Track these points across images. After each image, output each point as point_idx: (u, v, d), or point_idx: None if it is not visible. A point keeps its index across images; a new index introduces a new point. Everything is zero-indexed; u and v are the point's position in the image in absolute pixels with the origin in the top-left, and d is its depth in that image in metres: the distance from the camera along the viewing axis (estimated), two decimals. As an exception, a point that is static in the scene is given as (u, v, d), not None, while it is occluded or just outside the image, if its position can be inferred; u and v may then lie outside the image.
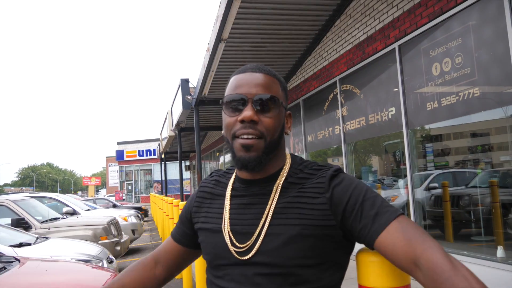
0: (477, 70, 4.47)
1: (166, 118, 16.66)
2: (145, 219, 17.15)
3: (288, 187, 1.12)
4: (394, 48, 5.77)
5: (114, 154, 42.91)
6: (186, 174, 31.14)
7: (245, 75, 1.14)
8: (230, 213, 1.15)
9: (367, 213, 1.01)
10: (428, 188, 6.08)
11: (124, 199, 35.98)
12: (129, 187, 40.27)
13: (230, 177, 1.25)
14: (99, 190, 66.75)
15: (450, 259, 0.88)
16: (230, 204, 1.17)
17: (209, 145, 22.35)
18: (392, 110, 5.96)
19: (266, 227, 1.07)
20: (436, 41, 5.04)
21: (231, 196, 1.19)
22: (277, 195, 1.11)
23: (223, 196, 1.21)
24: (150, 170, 40.20)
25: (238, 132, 1.09)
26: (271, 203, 1.10)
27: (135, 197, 39.67)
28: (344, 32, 7.11)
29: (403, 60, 5.68)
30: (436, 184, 5.89)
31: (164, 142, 19.59)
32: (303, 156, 9.18)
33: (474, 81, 4.50)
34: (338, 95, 7.47)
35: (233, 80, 1.16)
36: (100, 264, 5.15)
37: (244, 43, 7.87)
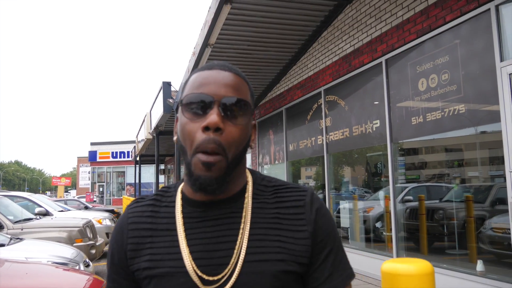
0: (463, 87, 4.59)
1: (144, 121, 16.45)
2: (118, 222, 16.80)
3: (259, 209, 0.95)
4: (381, 62, 5.87)
5: (86, 154, 42.07)
6: (161, 178, 30.78)
7: (211, 72, 0.91)
8: (189, 247, 0.90)
9: (330, 261, 0.93)
10: (403, 201, 6.21)
11: (95, 201, 35.23)
12: (101, 189, 39.49)
13: (171, 200, 0.98)
14: (69, 191, 65.24)
15: None
16: (187, 237, 0.92)
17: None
18: (377, 123, 6.05)
19: (242, 259, 0.88)
20: (424, 57, 5.15)
21: (185, 224, 0.93)
22: (249, 217, 0.93)
23: (170, 227, 0.94)
24: (123, 172, 39.53)
25: (200, 144, 0.86)
26: (245, 228, 0.91)
27: (107, 199, 38.92)
28: (331, 44, 7.19)
29: (389, 74, 5.77)
30: (410, 197, 6.00)
31: (140, 145, 19.32)
32: (284, 165, 9.22)
33: (460, 98, 4.61)
34: (322, 106, 7.53)
35: (196, 77, 0.92)
36: (77, 268, 5.01)
37: (230, 49, 7.86)
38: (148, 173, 35.15)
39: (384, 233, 6.68)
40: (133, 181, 33.37)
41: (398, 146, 5.77)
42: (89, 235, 7.46)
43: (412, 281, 1.02)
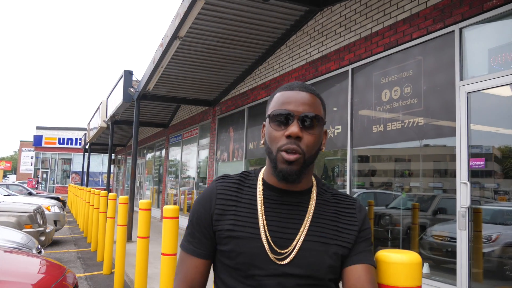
0: (424, 101, 4.89)
1: (98, 108, 16.02)
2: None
3: (321, 205, 1.25)
4: (348, 70, 6.11)
5: (30, 138, 40.21)
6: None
7: (292, 93, 1.20)
8: (266, 220, 1.18)
9: (364, 245, 1.23)
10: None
11: (37, 188, 33.74)
12: (44, 176, 37.89)
13: (253, 183, 1.26)
14: (7, 176, 61.98)
15: None
16: (265, 211, 1.19)
17: (138, 141, 21.74)
18: (339, 128, 6.29)
19: (303, 238, 1.17)
20: (389, 70, 5.43)
21: (265, 203, 1.21)
22: (313, 208, 1.22)
23: (252, 203, 1.21)
24: (70, 159, 38.16)
25: (284, 146, 1.14)
26: (309, 215, 1.21)
27: (50, 186, 37.39)
28: (299, 48, 7.38)
29: (354, 83, 6.03)
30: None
31: (92, 133, 18.78)
32: (242, 163, 9.32)
33: (420, 111, 4.91)
34: (286, 107, 7.69)
35: (279, 96, 1.22)
36: (30, 254, 4.87)
37: (199, 44, 7.86)
38: (96, 162, 34.15)
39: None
40: (80, 170, 32.29)
41: (357, 153, 6.03)
42: (39, 222, 7.23)
43: (404, 268, 1.18)
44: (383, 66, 5.53)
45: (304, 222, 1.18)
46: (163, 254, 3.70)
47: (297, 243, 1.15)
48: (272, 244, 1.15)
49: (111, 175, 31.44)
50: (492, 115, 4.33)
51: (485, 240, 4.49)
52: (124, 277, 5.90)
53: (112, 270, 6.96)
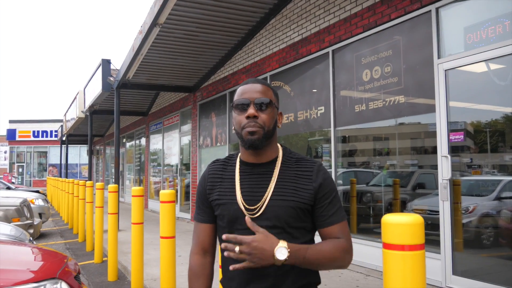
0: (404, 80, 5.07)
1: (75, 98, 15.80)
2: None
3: (285, 170, 1.57)
4: (328, 52, 6.24)
5: (3, 133, 39.22)
6: (87, 159, 29.62)
7: (248, 86, 1.56)
8: (241, 189, 1.55)
9: (330, 208, 1.54)
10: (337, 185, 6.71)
11: (13, 182, 33.08)
12: (20, 170, 37.15)
13: (234, 163, 1.64)
14: (-19, 171, 60.40)
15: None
16: (241, 182, 1.57)
17: (117, 130, 21.53)
18: (322, 109, 6.44)
19: (269, 198, 1.51)
20: (369, 50, 5.58)
21: (240, 176, 1.58)
22: (277, 174, 1.55)
23: (232, 177, 1.59)
24: (46, 152, 37.47)
25: (245, 125, 1.51)
26: (273, 179, 1.55)
27: (26, 180, 36.72)
28: (279, 32, 7.46)
29: (335, 64, 6.17)
30: (340, 181, 6.49)
31: (69, 124, 18.52)
32: (226, 147, 9.43)
33: (401, 90, 5.10)
34: (268, 91, 7.80)
35: (239, 90, 1.58)
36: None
37: (178, 30, 7.85)
38: (72, 154, 33.63)
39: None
40: (57, 162, 31.85)
41: (341, 133, 6.21)
42: (26, 214, 7.22)
43: (410, 227, 1.36)
44: (363, 46, 5.68)
45: (270, 185, 1.53)
46: (162, 237, 3.81)
47: (264, 201, 1.50)
48: (246, 205, 1.51)
49: (86, 166, 31.11)
50: (469, 91, 4.54)
51: (463, 212, 4.73)
52: (117, 265, 5.99)
53: (104, 259, 7.03)
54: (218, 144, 9.97)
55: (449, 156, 4.47)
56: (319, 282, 1.61)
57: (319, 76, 6.58)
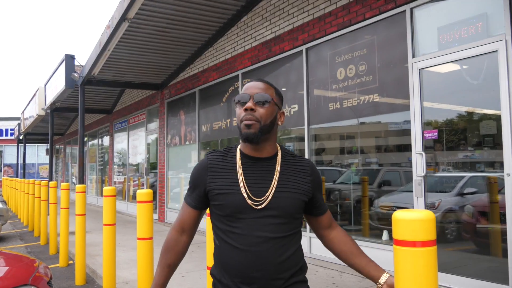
0: (378, 78, 5.13)
1: (35, 95, 15.17)
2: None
3: (285, 165, 1.70)
4: (302, 50, 6.24)
5: (-46, 131, 37.19)
6: (46, 159, 28.55)
7: (250, 83, 1.67)
8: (245, 179, 1.63)
9: (321, 199, 1.78)
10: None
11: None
12: (-28, 170, 35.35)
13: (234, 155, 1.70)
14: None
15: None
16: (244, 173, 1.64)
17: (77, 129, 20.86)
18: (295, 107, 6.44)
19: (274, 189, 1.62)
20: (343, 49, 5.62)
21: (243, 168, 1.66)
22: (279, 169, 1.67)
23: (233, 168, 1.66)
24: (0, 152, 35.83)
25: (243, 117, 1.60)
26: (277, 174, 1.66)
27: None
28: (251, 29, 7.41)
29: (309, 62, 6.18)
30: None
31: (27, 122, 17.78)
32: (196, 146, 9.30)
33: (375, 88, 5.16)
34: (240, 88, 7.75)
35: (245, 86, 1.68)
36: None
37: (148, 26, 7.66)
38: (30, 154, 32.34)
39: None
40: (13, 162, 30.51)
41: (314, 131, 6.22)
42: (-15, 217, 6.83)
43: (422, 223, 1.34)
44: (338, 45, 5.72)
45: (274, 179, 1.64)
46: (139, 238, 3.68)
47: (270, 193, 1.61)
48: (250, 195, 1.60)
49: (45, 166, 29.96)
50: (442, 90, 4.65)
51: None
52: (85, 268, 5.77)
53: (69, 262, 6.77)
54: (187, 142, 9.81)
55: (423, 154, 4.55)
56: (306, 266, 1.75)
57: (292, 74, 6.58)
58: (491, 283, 3.96)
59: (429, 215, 1.38)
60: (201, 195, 1.69)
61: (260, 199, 1.60)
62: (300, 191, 1.67)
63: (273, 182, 1.63)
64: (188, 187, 1.77)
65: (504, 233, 4.05)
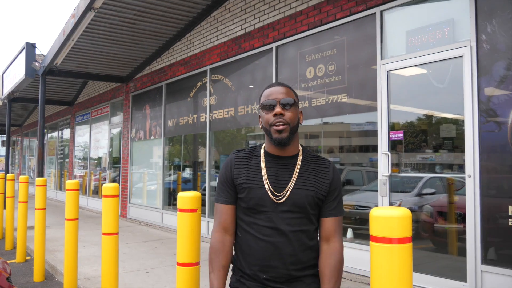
0: (347, 78, 5.21)
1: (-9, 84, 14.49)
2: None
3: (305, 164, 1.82)
4: (272, 48, 6.26)
5: None
6: (2, 151, 27.39)
7: (273, 88, 1.80)
8: (268, 176, 1.79)
9: (335, 202, 1.82)
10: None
11: None
12: None
13: (258, 153, 1.86)
14: None
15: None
16: (267, 170, 1.80)
17: (36, 121, 20.11)
18: (264, 105, 6.44)
19: (292, 186, 1.76)
20: (313, 48, 5.67)
21: (266, 165, 1.81)
22: (299, 167, 1.80)
23: (258, 165, 1.82)
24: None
25: (273, 122, 1.74)
26: (296, 172, 1.79)
27: None
28: (221, 24, 7.35)
29: (279, 60, 6.20)
30: None
31: (-18, 111, 16.99)
32: (161, 140, 9.17)
33: (344, 88, 5.23)
34: (208, 84, 7.69)
35: (266, 92, 1.82)
36: None
37: (114, 16, 7.46)
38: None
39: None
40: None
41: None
42: None
43: (399, 221, 1.37)
44: (308, 44, 5.76)
45: (293, 176, 1.77)
46: (104, 234, 3.58)
47: (288, 189, 1.75)
48: (272, 190, 1.75)
49: (1, 158, 28.72)
50: (409, 92, 4.77)
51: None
52: (45, 264, 5.58)
53: (27, 258, 6.53)
54: (152, 137, 9.65)
55: (389, 154, 4.66)
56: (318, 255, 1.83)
57: (262, 71, 6.58)
58: (450, 280, 4.11)
59: (406, 213, 1.41)
60: (232, 189, 1.84)
61: (280, 194, 1.75)
62: (317, 189, 1.77)
63: (292, 178, 1.77)
64: (216, 189, 1.90)
65: (460, 233, 4.21)
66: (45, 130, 17.79)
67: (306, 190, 1.76)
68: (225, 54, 7.24)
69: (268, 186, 1.76)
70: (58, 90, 13.60)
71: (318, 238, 1.84)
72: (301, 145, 1.89)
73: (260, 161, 1.83)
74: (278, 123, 1.73)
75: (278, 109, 1.73)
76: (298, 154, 1.83)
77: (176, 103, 8.86)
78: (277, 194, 1.75)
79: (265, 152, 1.85)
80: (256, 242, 1.76)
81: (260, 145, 1.90)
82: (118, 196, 3.64)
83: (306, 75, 5.74)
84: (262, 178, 1.78)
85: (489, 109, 3.88)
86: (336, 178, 1.82)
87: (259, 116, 1.85)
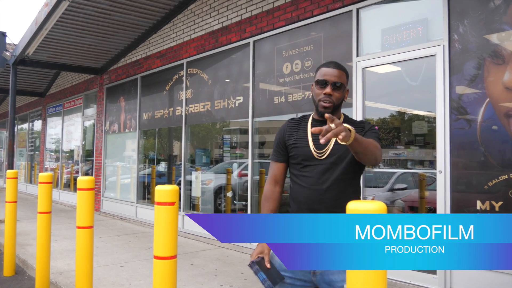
0: (323, 75, 5.26)
1: (-42, 73, 14.00)
2: None
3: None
4: (249, 42, 6.26)
5: None
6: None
7: (329, 69, 2.12)
8: (312, 138, 2.14)
9: (369, 135, 2.11)
10: (242, 175, 6.96)
11: None
12: None
13: (307, 120, 2.22)
14: None
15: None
16: (312, 133, 2.12)
17: (6, 112, 19.53)
18: (240, 99, 6.46)
19: (332, 144, 2.08)
20: (290, 44, 5.71)
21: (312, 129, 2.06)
22: None
23: (305, 129, 2.19)
24: None
25: (322, 98, 2.09)
26: None
27: None
28: (198, 18, 7.31)
29: (256, 55, 6.21)
30: (247, 172, 6.63)
31: None
32: (136, 133, 9.08)
33: (320, 84, 5.29)
34: (184, 78, 7.64)
35: (322, 70, 2.14)
36: None
37: (89, 6, 7.31)
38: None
39: (236, 202, 7.29)
40: None
41: (258, 124, 6.29)
42: None
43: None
44: (285, 40, 5.80)
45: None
46: (78, 227, 3.55)
47: (329, 147, 2.08)
48: (315, 148, 2.10)
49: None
50: (383, 89, 4.87)
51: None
52: (15, 259, 5.47)
53: (-4, 252, 6.38)
54: (127, 130, 9.53)
55: (363, 149, 4.75)
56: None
57: (238, 66, 6.58)
58: (420, 272, 4.24)
59: (381, 206, 1.46)
60: (283, 150, 2.22)
61: (322, 151, 2.09)
62: None
63: (332, 139, 2.02)
64: (272, 150, 2.30)
65: (433, 226, 4.33)
66: (15, 121, 17.33)
67: (344, 146, 1.96)
68: (202, 48, 7.20)
69: (312, 145, 2.11)
70: (30, 80, 13.26)
71: (358, 185, 2.18)
72: (343, 113, 2.22)
73: (307, 126, 2.19)
74: (325, 101, 2.08)
75: (328, 90, 2.07)
76: (339, 119, 2.06)
77: (151, 96, 8.78)
78: (319, 151, 2.09)
79: (313, 118, 2.21)
80: (303, 190, 2.11)
81: (309, 115, 2.25)
82: (93, 189, 3.60)
83: (283, 71, 5.78)
84: (307, 139, 2.14)
85: (460, 107, 4.01)
86: (370, 128, 2.14)
87: (312, 86, 2.19)
